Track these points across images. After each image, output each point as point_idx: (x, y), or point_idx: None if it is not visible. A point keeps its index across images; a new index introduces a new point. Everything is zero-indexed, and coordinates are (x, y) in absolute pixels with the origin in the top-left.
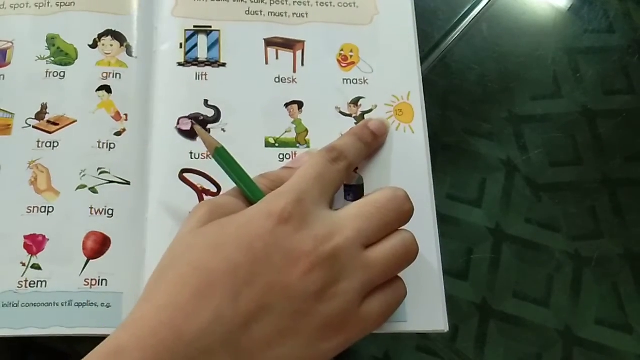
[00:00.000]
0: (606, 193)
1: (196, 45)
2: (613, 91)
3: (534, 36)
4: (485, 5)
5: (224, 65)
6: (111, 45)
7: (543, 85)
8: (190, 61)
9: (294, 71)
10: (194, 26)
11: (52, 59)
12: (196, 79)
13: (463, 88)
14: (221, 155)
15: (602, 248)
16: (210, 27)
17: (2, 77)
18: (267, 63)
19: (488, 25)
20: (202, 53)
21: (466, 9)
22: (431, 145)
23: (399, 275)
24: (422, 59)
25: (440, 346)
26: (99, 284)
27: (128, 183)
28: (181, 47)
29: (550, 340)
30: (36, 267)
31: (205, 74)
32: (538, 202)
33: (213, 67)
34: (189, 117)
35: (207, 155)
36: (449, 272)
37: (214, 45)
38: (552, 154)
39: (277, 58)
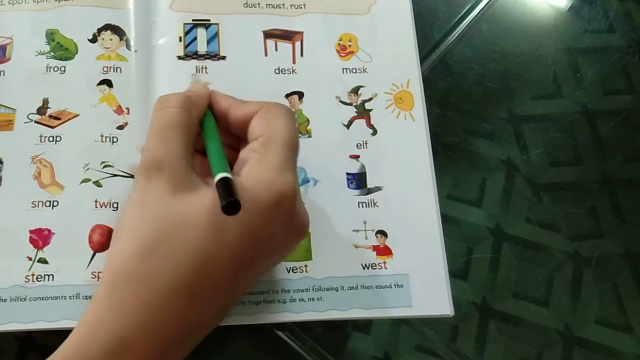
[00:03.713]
0: (606, 193)
1: (195, 38)
2: (613, 91)
3: (534, 36)
4: (485, 5)
5: (223, 58)
6: (111, 40)
7: (543, 85)
8: (190, 54)
9: (294, 62)
10: (193, 20)
11: (52, 53)
12: (196, 72)
13: (463, 88)
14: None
15: (602, 248)
16: (209, 20)
17: (2, 72)
18: (266, 55)
19: (488, 25)
20: (201, 46)
21: (466, 9)
22: (431, 145)
23: None
24: (422, 59)
25: (440, 346)
26: None
27: (132, 176)
28: (180, 40)
29: (550, 340)
30: (43, 261)
31: (206, 67)
32: (538, 202)
33: (213, 60)
34: None
35: None
36: (449, 271)
37: (213, 38)
38: (552, 154)
39: (276, 50)
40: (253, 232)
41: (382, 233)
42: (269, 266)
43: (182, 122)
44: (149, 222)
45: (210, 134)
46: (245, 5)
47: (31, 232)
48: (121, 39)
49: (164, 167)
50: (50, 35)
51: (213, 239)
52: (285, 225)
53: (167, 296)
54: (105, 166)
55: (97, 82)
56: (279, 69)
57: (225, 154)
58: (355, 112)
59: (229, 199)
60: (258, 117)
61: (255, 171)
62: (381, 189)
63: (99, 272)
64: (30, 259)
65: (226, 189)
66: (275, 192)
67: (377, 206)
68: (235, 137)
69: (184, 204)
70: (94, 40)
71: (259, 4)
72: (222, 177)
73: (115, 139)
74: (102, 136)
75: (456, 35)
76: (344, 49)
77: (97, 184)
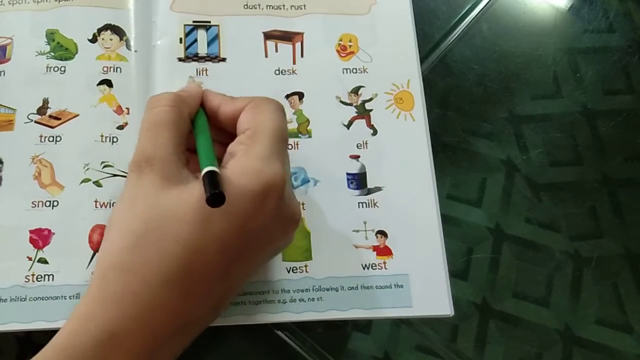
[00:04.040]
0: (606, 193)
1: (196, 40)
2: (613, 91)
3: (534, 36)
4: (485, 5)
5: (224, 60)
6: (111, 40)
7: (543, 85)
8: (191, 56)
9: (294, 63)
10: (193, 21)
11: (52, 53)
12: (197, 74)
13: (463, 88)
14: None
15: (602, 248)
16: (210, 22)
17: (2, 72)
18: (266, 56)
19: (488, 25)
20: (202, 48)
21: (466, 9)
22: (431, 145)
23: None
24: (422, 59)
25: (440, 346)
26: None
27: None
28: (181, 42)
29: (550, 340)
30: (43, 261)
31: (206, 69)
32: (538, 202)
33: (213, 62)
34: None
35: None
36: (449, 271)
37: (213, 40)
38: (552, 154)
39: (276, 51)
40: (241, 224)
41: (382, 233)
42: (262, 260)
43: (172, 119)
44: (140, 216)
45: (200, 130)
46: (246, 6)
47: (31, 232)
48: (121, 39)
49: (155, 162)
50: (50, 35)
51: (201, 231)
52: (275, 216)
53: (159, 289)
54: (105, 166)
55: (97, 82)
56: (279, 70)
57: (214, 150)
58: (356, 112)
59: (213, 191)
60: (246, 111)
61: (241, 162)
62: (381, 189)
63: None
64: (30, 259)
65: (211, 181)
66: (261, 182)
67: (377, 206)
68: (227, 134)
69: (173, 197)
70: (94, 40)
71: (259, 5)
72: (208, 171)
73: (115, 139)
74: (102, 136)
75: (456, 35)
76: (344, 49)
77: (97, 184)
